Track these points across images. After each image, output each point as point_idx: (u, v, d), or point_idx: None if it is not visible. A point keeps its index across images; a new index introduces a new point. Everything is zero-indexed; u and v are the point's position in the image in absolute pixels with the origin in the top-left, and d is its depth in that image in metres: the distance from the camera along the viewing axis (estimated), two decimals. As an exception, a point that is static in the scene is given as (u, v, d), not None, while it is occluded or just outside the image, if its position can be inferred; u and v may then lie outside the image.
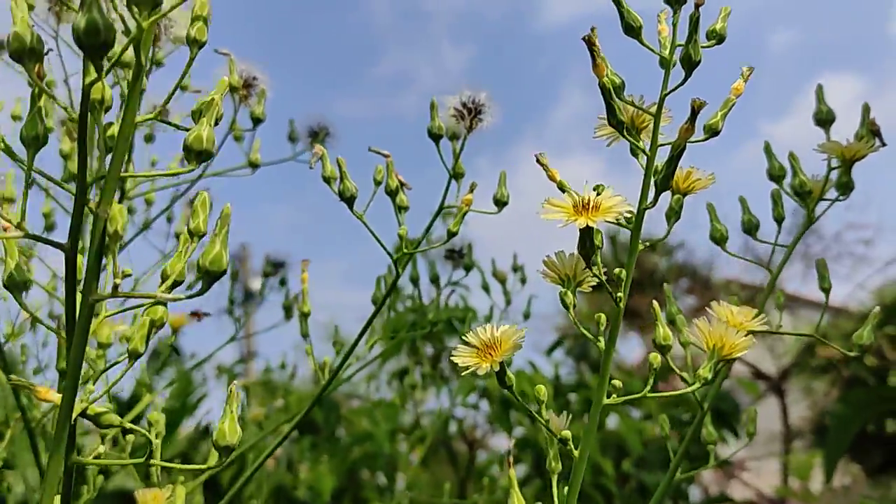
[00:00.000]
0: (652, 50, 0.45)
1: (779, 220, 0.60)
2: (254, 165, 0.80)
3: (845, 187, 0.57)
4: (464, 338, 0.44)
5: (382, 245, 0.64)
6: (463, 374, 0.43)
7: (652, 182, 0.44)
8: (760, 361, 6.27)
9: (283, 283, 1.10)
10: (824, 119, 0.60)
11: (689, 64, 0.42)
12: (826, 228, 6.33)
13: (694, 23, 0.42)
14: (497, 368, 0.43)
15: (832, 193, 0.58)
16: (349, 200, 0.60)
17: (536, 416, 0.48)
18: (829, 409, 5.73)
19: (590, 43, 0.42)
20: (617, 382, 0.47)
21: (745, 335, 0.45)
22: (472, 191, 0.64)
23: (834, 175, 0.58)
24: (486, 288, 1.04)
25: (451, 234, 0.63)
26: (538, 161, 0.49)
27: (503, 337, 0.43)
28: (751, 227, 0.62)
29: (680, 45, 0.44)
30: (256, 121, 0.77)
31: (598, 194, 0.41)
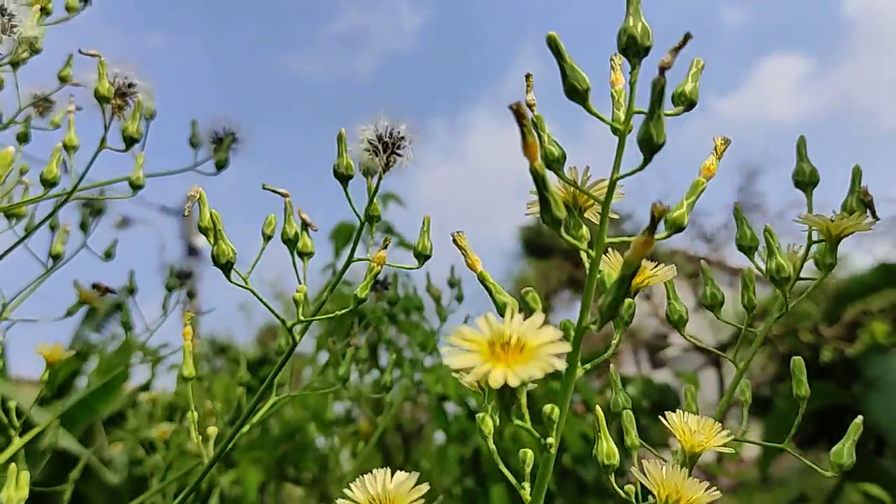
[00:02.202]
0: (602, 119, 0.34)
1: (749, 307, 0.51)
2: (135, 186, 0.67)
3: (830, 267, 0.48)
4: (345, 492, 0.34)
5: (274, 313, 0.53)
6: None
7: (596, 292, 0.33)
8: (700, 334, 6.35)
9: (191, 295, 0.98)
10: (807, 182, 0.51)
11: (650, 147, 0.32)
12: (770, 206, 6.39)
13: (657, 93, 0.31)
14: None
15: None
16: (224, 267, 0.49)
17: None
18: (763, 381, 5.83)
19: (518, 115, 0.31)
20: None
21: (709, 488, 0.36)
22: (385, 247, 0.53)
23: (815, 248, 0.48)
24: (418, 309, 0.94)
25: (359, 301, 0.52)
26: (455, 243, 0.39)
27: (395, 495, 0.33)
28: (714, 304, 0.52)
29: (638, 112, 0.33)
30: (130, 140, 0.63)
31: (525, 318, 0.31)
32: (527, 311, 0.35)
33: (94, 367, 2.29)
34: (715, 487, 0.36)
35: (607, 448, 0.41)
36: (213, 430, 0.57)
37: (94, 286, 0.89)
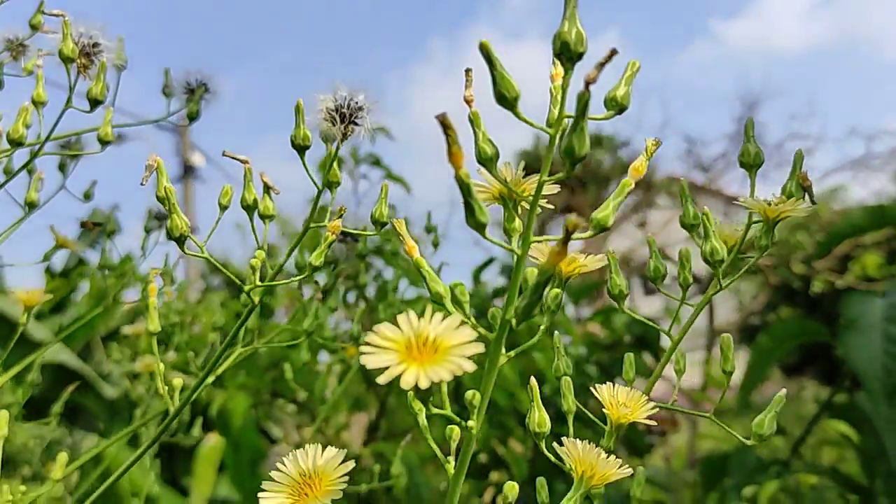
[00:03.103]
0: (533, 125, 0.35)
1: (684, 285, 0.53)
2: (103, 142, 0.68)
3: (765, 249, 0.49)
4: (278, 466, 0.36)
5: (233, 277, 0.55)
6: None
7: (517, 296, 0.35)
8: (693, 262, 6.39)
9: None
10: (751, 163, 0.52)
11: (572, 157, 0.33)
12: (768, 137, 6.36)
13: (581, 107, 0.32)
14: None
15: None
16: (178, 241, 0.50)
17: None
18: (754, 310, 5.91)
19: (444, 126, 0.32)
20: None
21: (621, 466, 0.39)
22: (340, 216, 0.55)
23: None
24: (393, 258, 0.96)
25: (314, 269, 0.54)
26: (393, 228, 0.40)
27: (324, 471, 0.36)
28: (656, 277, 0.54)
29: (569, 117, 0.35)
30: (94, 102, 0.64)
31: (442, 319, 0.33)
32: (456, 306, 0.37)
33: (89, 284, 2.33)
34: (629, 467, 0.39)
35: (539, 417, 0.44)
36: (178, 382, 0.59)
37: (83, 224, 0.91)
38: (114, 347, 1.27)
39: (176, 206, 0.50)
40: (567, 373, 0.53)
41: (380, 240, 1.85)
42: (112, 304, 2.00)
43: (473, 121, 0.37)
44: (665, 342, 2.43)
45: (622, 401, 0.46)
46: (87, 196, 0.91)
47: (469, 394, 0.38)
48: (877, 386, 2.08)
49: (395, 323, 0.34)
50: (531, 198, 0.36)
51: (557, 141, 0.34)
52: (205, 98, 0.77)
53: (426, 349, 0.32)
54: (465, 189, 0.33)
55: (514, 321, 0.34)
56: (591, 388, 0.47)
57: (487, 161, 0.36)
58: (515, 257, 0.36)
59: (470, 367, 0.30)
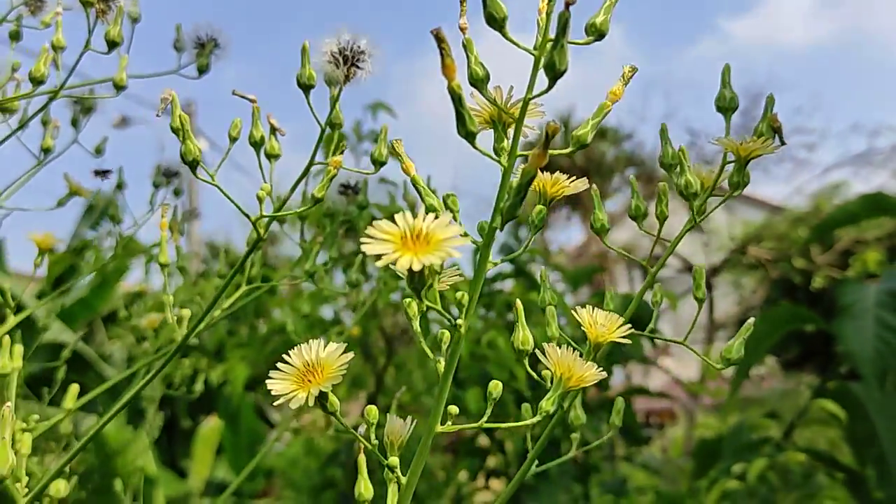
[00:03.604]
0: (519, 46, 0.38)
1: (661, 218, 0.56)
2: (119, 87, 0.71)
3: (737, 186, 0.53)
4: (284, 357, 0.40)
5: (240, 209, 0.58)
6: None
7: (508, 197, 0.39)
8: (694, 256, 6.43)
9: (177, 193, 1.02)
10: (726, 107, 0.55)
11: (553, 72, 0.37)
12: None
13: (562, 25, 0.36)
14: (315, 394, 0.39)
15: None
16: (191, 165, 0.54)
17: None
18: (753, 305, 5.94)
19: (438, 39, 0.36)
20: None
21: (597, 369, 0.42)
22: (342, 151, 0.58)
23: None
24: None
25: (316, 201, 0.57)
26: (392, 150, 0.44)
27: (325, 361, 0.39)
28: (637, 215, 0.57)
29: (552, 41, 0.38)
30: (112, 44, 0.68)
31: (435, 219, 0.36)
32: (448, 212, 0.40)
33: (91, 264, 2.36)
34: (602, 369, 0.42)
35: (523, 335, 0.47)
36: (186, 312, 0.63)
37: (95, 172, 0.94)
38: (119, 305, 1.30)
39: (190, 133, 0.54)
40: (552, 303, 0.56)
41: (382, 215, 1.88)
42: (119, 272, 2.02)
43: (467, 46, 0.40)
44: (661, 321, 2.45)
45: (601, 322, 0.49)
46: (99, 151, 0.94)
47: (458, 294, 0.41)
48: (869, 369, 2.10)
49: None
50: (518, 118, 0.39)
51: (544, 61, 0.37)
52: (214, 53, 0.80)
53: (419, 241, 0.35)
54: (456, 99, 0.37)
55: (499, 223, 0.38)
56: (573, 311, 0.50)
57: (479, 82, 0.40)
58: (502, 169, 0.39)
59: (458, 254, 0.34)
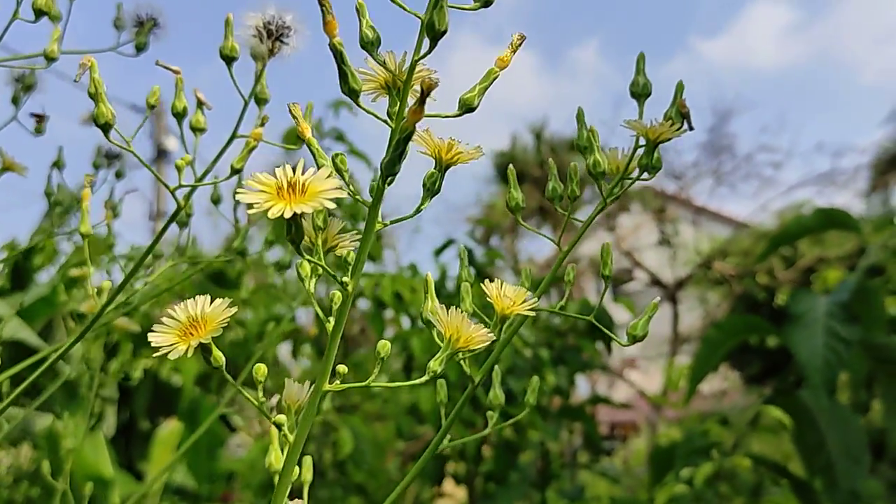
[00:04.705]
0: (404, 8, 0.39)
1: (571, 197, 0.57)
2: (49, 59, 0.71)
3: (647, 168, 0.54)
4: (169, 311, 0.40)
5: (157, 176, 0.58)
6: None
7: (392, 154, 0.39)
8: (660, 270, 6.49)
9: (118, 175, 1.02)
10: (640, 93, 0.57)
11: (433, 32, 0.38)
12: (739, 148, 6.45)
13: (441, -15, 0.37)
14: (195, 346, 0.39)
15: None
16: (104, 128, 0.54)
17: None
18: (717, 319, 6.00)
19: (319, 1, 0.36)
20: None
21: (485, 331, 0.43)
22: (263, 124, 0.59)
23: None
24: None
25: (235, 171, 0.58)
26: (289, 110, 0.44)
27: (209, 316, 0.40)
28: (553, 197, 0.58)
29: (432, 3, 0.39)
30: (39, 12, 0.68)
31: (315, 174, 0.37)
32: (332, 170, 0.41)
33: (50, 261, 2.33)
34: (486, 329, 0.43)
35: (430, 305, 0.48)
36: (106, 284, 0.63)
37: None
38: (59, 289, 1.28)
39: (103, 97, 0.54)
40: (469, 280, 0.57)
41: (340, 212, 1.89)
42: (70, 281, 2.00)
43: (359, 10, 0.41)
44: (617, 332, 2.48)
45: (508, 295, 0.50)
46: (38, 130, 0.93)
47: (344, 252, 0.42)
48: (818, 378, 2.14)
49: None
50: (408, 81, 0.40)
51: (425, 21, 0.38)
52: (153, 32, 0.81)
53: (295, 193, 0.36)
54: (338, 55, 0.37)
55: (382, 181, 0.38)
56: (482, 285, 0.51)
57: (369, 45, 0.40)
58: (390, 130, 0.40)
59: (331, 205, 0.35)
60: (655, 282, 6.34)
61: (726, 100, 7.20)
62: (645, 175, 0.55)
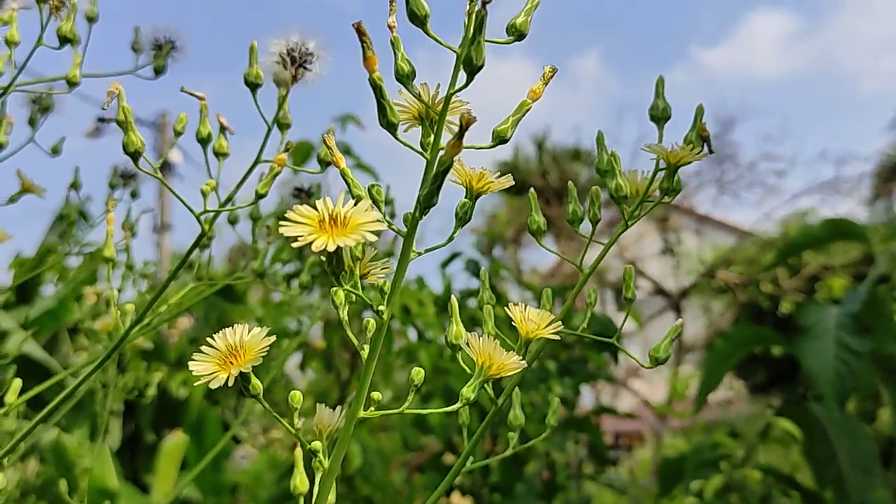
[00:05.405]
0: (441, 43, 0.40)
1: (594, 221, 0.58)
2: (71, 84, 0.72)
3: (668, 191, 0.54)
4: (207, 340, 0.41)
5: (183, 202, 0.59)
6: (200, 376, 0.39)
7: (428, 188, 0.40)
8: (664, 279, 6.49)
9: (134, 195, 1.03)
10: (659, 116, 0.57)
11: (470, 67, 0.38)
12: (742, 157, 6.47)
13: (478, 23, 0.37)
14: (236, 375, 0.40)
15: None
16: (133, 156, 0.55)
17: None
18: (722, 328, 5.99)
19: (359, 33, 0.37)
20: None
21: (517, 358, 0.43)
22: (287, 150, 0.59)
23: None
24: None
25: (259, 196, 0.59)
26: (323, 141, 0.45)
27: (248, 345, 0.40)
28: (574, 220, 0.59)
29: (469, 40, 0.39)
30: (64, 39, 0.68)
31: (356, 204, 0.37)
32: (372, 202, 0.41)
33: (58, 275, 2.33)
34: (517, 356, 0.44)
35: (456, 330, 0.48)
36: (130, 307, 0.63)
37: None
38: (73, 306, 1.29)
39: (133, 126, 0.55)
40: (490, 302, 0.58)
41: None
42: (86, 282, 2.01)
43: (394, 44, 0.42)
44: (632, 344, 2.47)
45: (532, 318, 0.50)
46: (55, 150, 0.94)
47: (381, 282, 0.43)
48: (829, 390, 2.13)
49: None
50: (442, 114, 0.40)
51: (462, 56, 0.39)
52: (171, 55, 0.81)
53: (337, 225, 0.36)
54: (377, 90, 0.38)
55: (419, 212, 0.39)
56: (506, 308, 0.52)
57: (405, 78, 0.41)
58: (426, 161, 0.41)
59: (373, 237, 0.35)
60: (659, 291, 6.34)
61: (729, 108, 7.21)
62: (666, 198, 0.56)
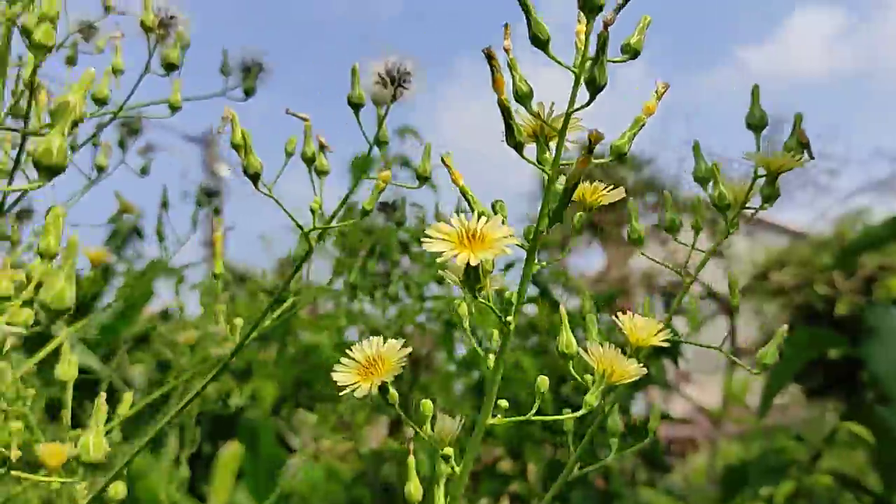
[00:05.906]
0: (561, 64, 0.42)
1: (696, 229, 0.59)
2: (174, 108, 0.76)
3: (769, 198, 0.55)
4: (347, 352, 0.43)
5: (293, 219, 0.61)
6: (346, 391, 0.41)
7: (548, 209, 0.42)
8: (715, 282, 6.40)
9: (217, 211, 1.07)
10: (756, 124, 0.58)
11: (594, 87, 0.40)
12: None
13: (601, 43, 0.39)
14: (378, 385, 0.42)
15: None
16: (253, 178, 0.58)
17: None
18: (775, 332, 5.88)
19: (489, 57, 0.39)
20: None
21: (637, 365, 0.45)
22: (389, 168, 0.61)
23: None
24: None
25: (365, 213, 0.61)
26: (442, 160, 0.47)
27: (386, 355, 0.42)
28: (672, 227, 0.60)
29: (591, 59, 0.41)
30: (170, 67, 0.72)
31: (487, 221, 0.39)
32: (497, 216, 0.43)
33: (117, 288, 2.40)
34: (643, 366, 0.45)
35: (566, 338, 0.50)
36: (239, 321, 0.66)
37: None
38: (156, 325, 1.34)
39: (251, 149, 0.57)
40: (591, 311, 0.59)
41: (409, 237, 1.92)
42: (144, 296, 2.06)
43: (512, 66, 0.43)
44: (684, 348, 2.46)
45: (640, 326, 0.52)
46: (144, 171, 0.98)
47: (508, 293, 0.44)
48: (897, 392, 2.09)
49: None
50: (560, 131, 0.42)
51: (582, 79, 0.41)
52: (259, 76, 0.85)
53: (475, 240, 0.38)
54: (505, 112, 0.40)
55: (546, 226, 0.41)
56: (614, 318, 0.53)
57: (524, 97, 0.43)
58: (546, 178, 0.42)
59: (510, 251, 0.37)
60: (710, 294, 6.26)
61: (776, 107, 7.08)
62: (766, 205, 0.57)
